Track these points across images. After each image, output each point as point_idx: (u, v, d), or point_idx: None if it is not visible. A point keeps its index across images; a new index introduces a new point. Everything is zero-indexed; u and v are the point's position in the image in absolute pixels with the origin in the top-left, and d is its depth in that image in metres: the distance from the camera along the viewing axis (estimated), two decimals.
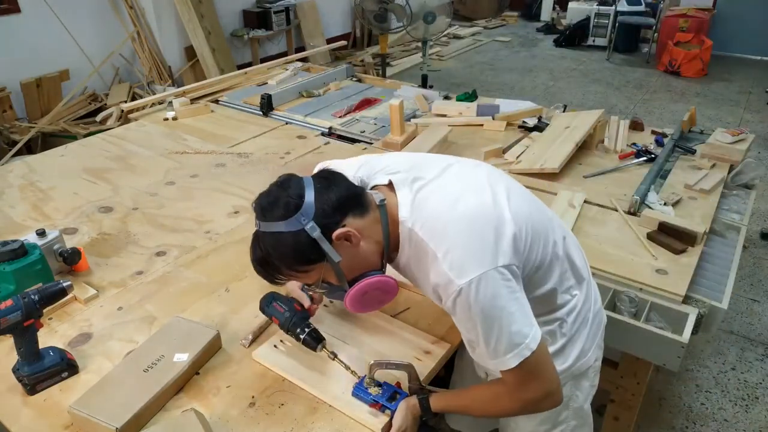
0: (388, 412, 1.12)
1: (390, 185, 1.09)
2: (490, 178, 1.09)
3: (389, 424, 1.11)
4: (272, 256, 1.01)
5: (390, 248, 1.07)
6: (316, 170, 1.24)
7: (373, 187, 1.10)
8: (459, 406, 1.17)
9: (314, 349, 1.20)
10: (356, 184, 1.08)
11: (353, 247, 1.02)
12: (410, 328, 1.34)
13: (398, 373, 1.18)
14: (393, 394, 1.14)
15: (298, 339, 1.21)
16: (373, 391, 1.14)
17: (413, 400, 1.14)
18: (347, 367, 1.18)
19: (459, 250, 0.97)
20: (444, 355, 1.27)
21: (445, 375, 1.61)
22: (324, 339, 1.22)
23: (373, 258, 1.06)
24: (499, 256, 0.96)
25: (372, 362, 1.15)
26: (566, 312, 1.16)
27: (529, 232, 1.03)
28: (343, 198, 1.02)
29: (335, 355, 1.20)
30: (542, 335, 1.01)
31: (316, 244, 0.99)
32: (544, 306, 1.13)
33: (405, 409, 1.12)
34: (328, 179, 1.04)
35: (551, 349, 1.15)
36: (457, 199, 1.02)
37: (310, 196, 0.99)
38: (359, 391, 1.15)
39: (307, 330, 1.21)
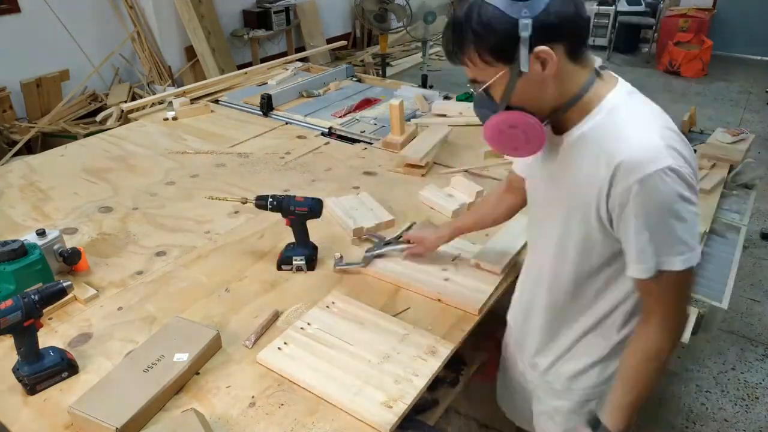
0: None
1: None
2: None
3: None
4: (471, 25, 0.91)
5: (568, 115, 1.00)
6: None
7: None
8: (632, 399, 1.06)
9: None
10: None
11: (538, 75, 0.93)
12: (411, 328, 1.33)
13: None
14: None
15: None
16: None
17: None
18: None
19: (659, 138, 0.91)
20: (449, 354, 1.26)
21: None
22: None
23: (542, 104, 0.98)
24: (693, 166, 0.93)
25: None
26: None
27: None
28: (567, 22, 0.90)
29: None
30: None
31: (516, 44, 0.89)
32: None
33: None
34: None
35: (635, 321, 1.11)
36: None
37: None
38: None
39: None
